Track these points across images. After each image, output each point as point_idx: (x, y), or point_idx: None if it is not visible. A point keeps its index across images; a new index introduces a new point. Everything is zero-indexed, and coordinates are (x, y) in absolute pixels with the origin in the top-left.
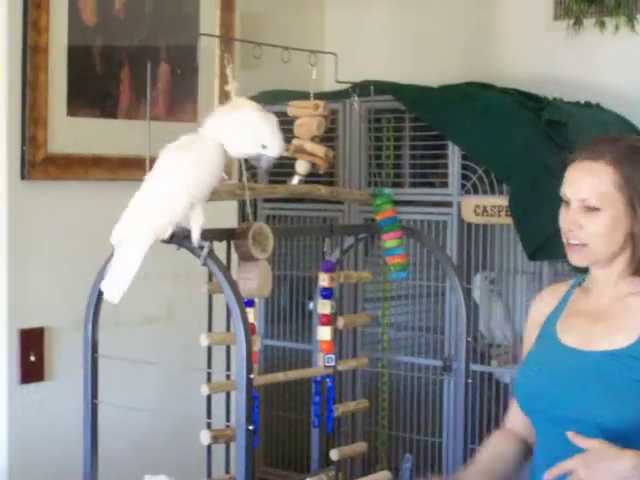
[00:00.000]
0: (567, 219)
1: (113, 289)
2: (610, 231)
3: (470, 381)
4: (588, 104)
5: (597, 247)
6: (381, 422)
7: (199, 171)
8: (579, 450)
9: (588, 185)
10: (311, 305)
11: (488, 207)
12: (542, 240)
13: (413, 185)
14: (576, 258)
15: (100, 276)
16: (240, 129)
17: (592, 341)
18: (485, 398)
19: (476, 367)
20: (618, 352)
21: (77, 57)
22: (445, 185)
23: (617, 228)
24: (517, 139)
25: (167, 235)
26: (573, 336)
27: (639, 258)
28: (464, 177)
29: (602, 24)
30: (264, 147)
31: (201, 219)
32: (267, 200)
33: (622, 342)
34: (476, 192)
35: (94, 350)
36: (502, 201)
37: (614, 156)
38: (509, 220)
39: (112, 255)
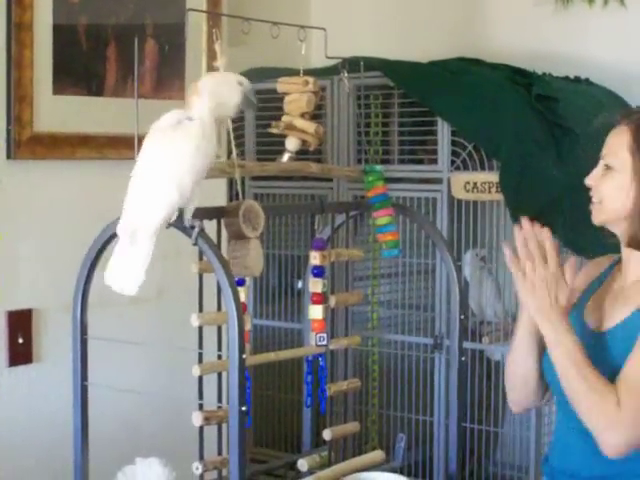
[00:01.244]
0: (590, 176)
1: (128, 281)
2: (617, 192)
3: (463, 359)
4: (577, 79)
5: (608, 206)
6: (372, 401)
7: (200, 151)
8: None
9: (609, 145)
10: (300, 284)
11: (478, 183)
12: (533, 216)
13: (402, 162)
14: (593, 215)
15: (90, 256)
16: (216, 87)
17: (602, 322)
18: (477, 376)
19: (467, 345)
20: (603, 333)
21: (62, 35)
22: (434, 162)
23: (624, 192)
24: (507, 114)
25: (174, 218)
26: (593, 316)
27: (638, 236)
28: (454, 153)
29: None
30: (240, 84)
31: (197, 199)
32: (255, 178)
33: (609, 324)
34: (466, 168)
35: (83, 332)
36: (492, 177)
37: (637, 123)
38: (500, 196)
39: (106, 239)
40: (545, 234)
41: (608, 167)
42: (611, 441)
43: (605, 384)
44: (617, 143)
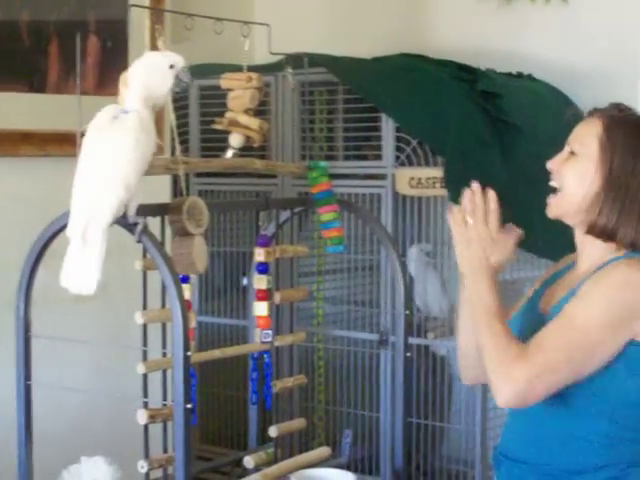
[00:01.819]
0: (553, 160)
1: (84, 280)
2: (580, 179)
3: (409, 354)
4: (520, 75)
5: (568, 193)
6: (318, 397)
7: (139, 143)
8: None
9: (577, 132)
10: (245, 280)
11: (423, 179)
12: None
13: (347, 158)
14: (550, 207)
15: (33, 254)
16: (146, 76)
17: (549, 306)
18: (422, 371)
19: (412, 340)
20: (547, 315)
21: (4, 30)
22: (379, 157)
23: (586, 180)
24: (451, 110)
25: (121, 214)
26: (545, 302)
27: (600, 223)
28: (398, 149)
29: None
30: (172, 66)
31: (140, 195)
32: (199, 175)
33: (552, 307)
34: (410, 164)
35: (26, 330)
36: (437, 172)
37: (610, 117)
38: (444, 192)
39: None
40: (491, 196)
41: (573, 153)
42: (503, 390)
43: (511, 340)
44: (586, 132)
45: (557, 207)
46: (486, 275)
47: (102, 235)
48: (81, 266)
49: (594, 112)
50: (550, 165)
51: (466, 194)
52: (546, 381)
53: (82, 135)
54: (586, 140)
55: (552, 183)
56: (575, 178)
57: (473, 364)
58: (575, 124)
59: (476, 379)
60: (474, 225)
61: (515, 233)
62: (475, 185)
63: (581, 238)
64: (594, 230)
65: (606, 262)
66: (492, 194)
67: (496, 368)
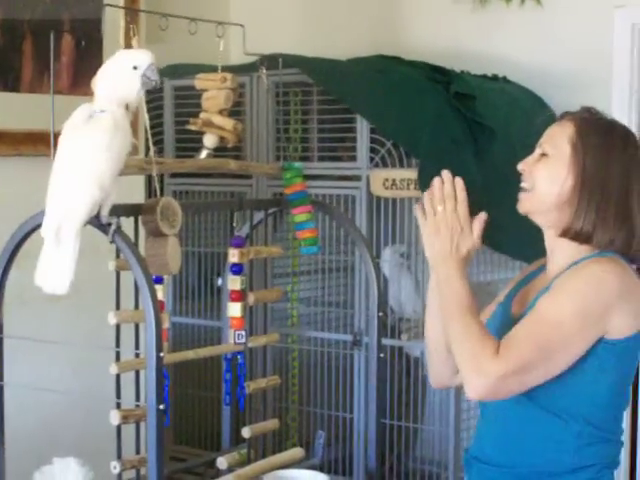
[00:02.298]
0: (524, 162)
1: (58, 280)
2: (550, 180)
3: (382, 356)
4: (495, 77)
5: (539, 193)
6: (291, 398)
7: (118, 142)
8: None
9: (548, 134)
10: (219, 281)
11: (397, 180)
12: None
13: (321, 159)
14: (521, 203)
15: (6, 254)
16: (112, 76)
17: (521, 309)
18: (395, 372)
19: (386, 341)
20: (518, 317)
21: None
22: (353, 159)
23: (558, 181)
24: (425, 112)
25: (95, 213)
26: (517, 305)
27: (576, 227)
28: (372, 150)
29: None
30: (136, 68)
31: (114, 195)
32: (173, 175)
33: (523, 310)
34: (385, 165)
35: None
36: (411, 174)
37: (583, 120)
38: (418, 193)
39: (22, 236)
40: (459, 184)
41: (544, 155)
42: (474, 383)
43: (485, 334)
44: (558, 134)
45: (529, 203)
46: (457, 264)
47: (76, 235)
48: (55, 266)
49: (566, 115)
50: (521, 166)
51: (436, 182)
52: (519, 376)
53: (56, 135)
54: (558, 142)
55: (523, 184)
56: (547, 178)
57: (441, 361)
58: (548, 126)
59: (447, 380)
60: (444, 213)
61: (481, 219)
62: (446, 173)
63: (552, 240)
64: (569, 233)
65: (578, 261)
66: (460, 182)
67: (468, 360)
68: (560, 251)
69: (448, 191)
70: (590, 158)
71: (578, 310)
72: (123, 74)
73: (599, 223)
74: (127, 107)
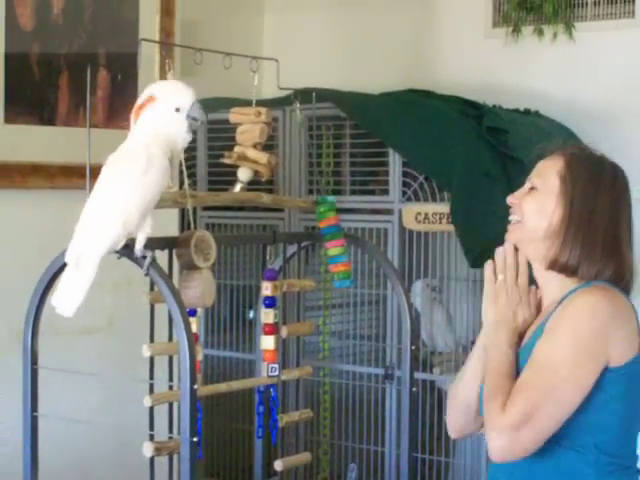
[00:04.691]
0: (513, 195)
1: (67, 303)
2: (539, 213)
3: (415, 389)
4: (527, 111)
5: (527, 224)
6: (323, 431)
7: (149, 180)
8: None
9: (539, 169)
10: (251, 314)
11: (429, 214)
12: (483, 247)
13: (354, 193)
14: (509, 233)
15: (41, 285)
16: (152, 120)
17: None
18: (427, 406)
19: (418, 375)
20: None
21: (14, 63)
22: (386, 192)
23: (546, 214)
24: (458, 146)
25: (120, 247)
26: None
27: (562, 260)
28: (405, 184)
29: (540, 32)
30: (178, 110)
31: (149, 229)
32: (206, 208)
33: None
34: (417, 199)
35: (34, 361)
36: (443, 208)
37: (573, 155)
38: (450, 227)
39: (57, 269)
40: (522, 259)
41: (533, 188)
42: (494, 444)
43: (503, 393)
44: (548, 168)
45: (519, 232)
46: (510, 332)
47: (93, 265)
48: (69, 290)
49: (556, 149)
50: (510, 200)
51: (498, 252)
52: (530, 424)
53: (90, 168)
54: (547, 175)
55: (512, 217)
56: (535, 211)
57: (462, 420)
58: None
59: (463, 434)
60: (504, 283)
61: (538, 293)
62: (508, 246)
63: (540, 274)
64: (556, 266)
65: (566, 294)
66: (524, 258)
67: (487, 423)
68: (549, 284)
69: (510, 262)
70: (578, 191)
71: (574, 349)
72: (165, 117)
73: (585, 256)
74: (169, 146)
